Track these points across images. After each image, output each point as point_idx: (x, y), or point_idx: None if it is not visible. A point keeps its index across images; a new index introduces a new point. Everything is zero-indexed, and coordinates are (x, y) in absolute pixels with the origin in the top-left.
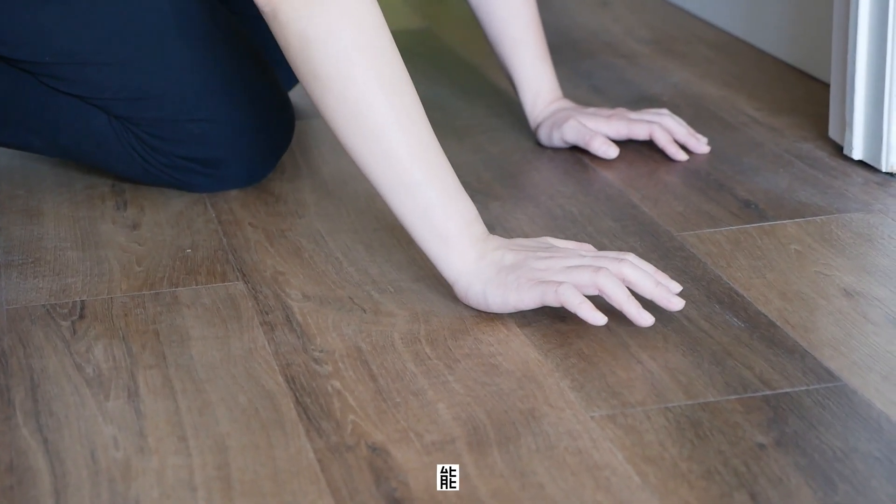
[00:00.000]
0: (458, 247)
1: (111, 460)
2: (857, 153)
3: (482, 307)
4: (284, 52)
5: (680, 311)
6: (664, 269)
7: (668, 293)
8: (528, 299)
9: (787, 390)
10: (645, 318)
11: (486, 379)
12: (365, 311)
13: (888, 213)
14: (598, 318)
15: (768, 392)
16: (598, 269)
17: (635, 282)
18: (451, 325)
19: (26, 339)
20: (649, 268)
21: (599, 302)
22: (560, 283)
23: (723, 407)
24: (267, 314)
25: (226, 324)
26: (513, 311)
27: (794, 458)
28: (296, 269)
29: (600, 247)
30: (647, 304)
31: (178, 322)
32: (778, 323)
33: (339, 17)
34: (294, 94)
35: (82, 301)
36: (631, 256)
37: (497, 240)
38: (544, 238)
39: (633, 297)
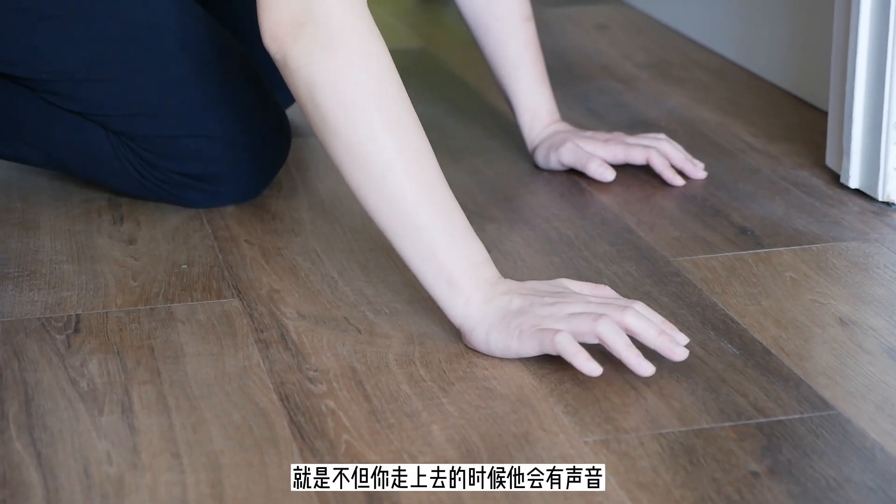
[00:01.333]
0: (464, 291)
1: (104, 476)
2: (854, 182)
3: (484, 351)
4: (295, 98)
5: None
6: (659, 295)
7: (672, 342)
8: (528, 347)
9: (782, 418)
10: (644, 368)
11: (480, 402)
12: (360, 331)
13: (884, 243)
14: (592, 369)
15: (762, 420)
16: (599, 316)
17: (638, 331)
18: (446, 347)
19: (21, 353)
20: (656, 317)
21: (600, 349)
22: (558, 331)
23: (717, 434)
24: (262, 332)
25: (220, 341)
26: (514, 357)
27: (787, 487)
28: (291, 287)
29: (596, 271)
30: (650, 354)
31: (172, 338)
32: (773, 350)
33: (347, 63)
34: (291, 112)
35: (77, 315)
36: (638, 305)
37: (507, 283)
38: (559, 280)
39: (633, 346)
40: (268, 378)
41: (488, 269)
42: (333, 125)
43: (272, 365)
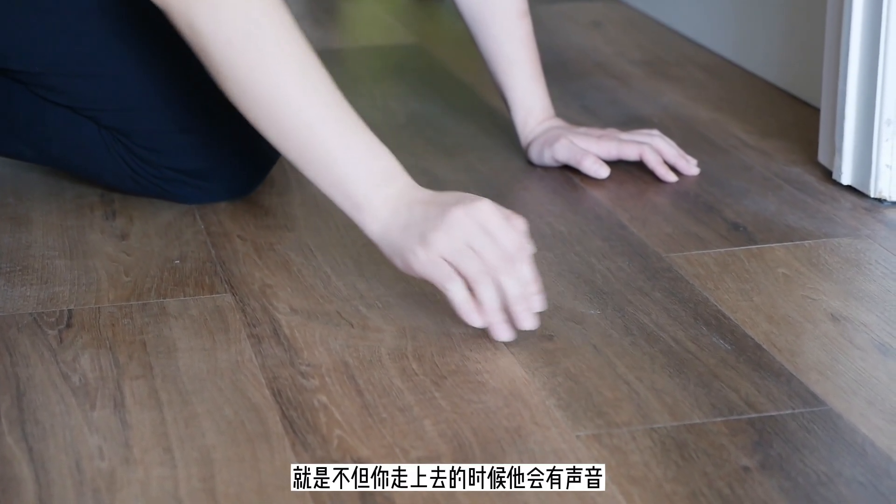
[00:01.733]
0: (369, 209)
1: (96, 470)
2: (846, 178)
3: (401, 269)
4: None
5: (667, 332)
6: (651, 291)
7: (526, 312)
8: (421, 272)
9: (773, 413)
10: (500, 333)
11: (472, 396)
12: (352, 325)
13: (876, 239)
14: (474, 320)
15: (754, 415)
16: (479, 276)
17: (507, 298)
18: (439, 341)
19: (13, 348)
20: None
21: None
22: (452, 280)
23: (708, 429)
24: (254, 327)
25: (213, 336)
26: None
27: (778, 482)
28: (284, 282)
29: (588, 267)
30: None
31: (165, 333)
32: (764, 346)
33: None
34: None
35: (70, 310)
36: (521, 263)
37: (413, 192)
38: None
39: (499, 312)
40: (260, 373)
41: (396, 182)
42: (219, 65)
43: (264, 360)
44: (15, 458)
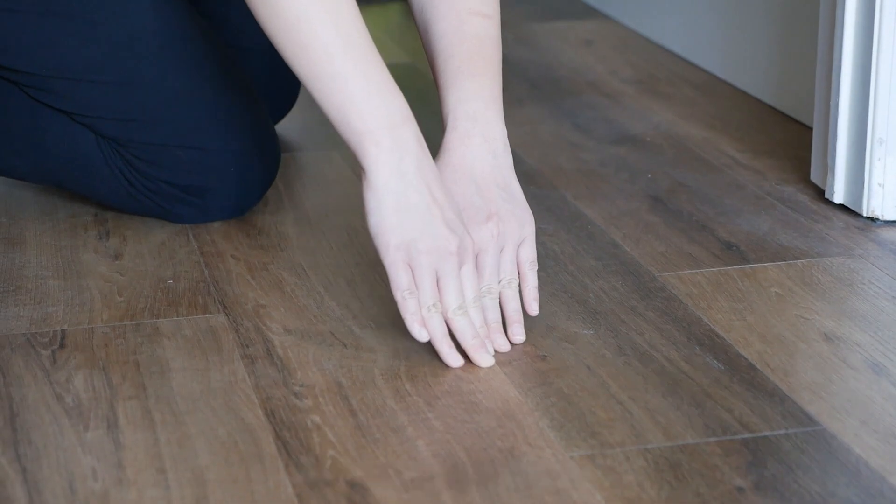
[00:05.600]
0: (375, 144)
1: (89, 491)
2: (839, 197)
3: (370, 226)
4: None
5: (660, 352)
6: (645, 310)
7: (481, 349)
8: (392, 271)
9: (767, 434)
10: (452, 360)
11: (465, 416)
12: (346, 346)
13: (869, 258)
14: (453, 360)
15: (747, 435)
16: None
17: (455, 332)
18: (432, 361)
19: (6, 368)
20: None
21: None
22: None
23: (702, 449)
24: (247, 347)
25: (206, 356)
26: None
27: (772, 502)
28: (277, 302)
29: (582, 286)
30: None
31: (158, 353)
32: (758, 366)
33: None
34: (280, 128)
35: (63, 330)
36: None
37: (420, 161)
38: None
39: (447, 339)
40: (253, 393)
41: (406, 130)
42: None
43: (258, 380)
44: (8, 479)
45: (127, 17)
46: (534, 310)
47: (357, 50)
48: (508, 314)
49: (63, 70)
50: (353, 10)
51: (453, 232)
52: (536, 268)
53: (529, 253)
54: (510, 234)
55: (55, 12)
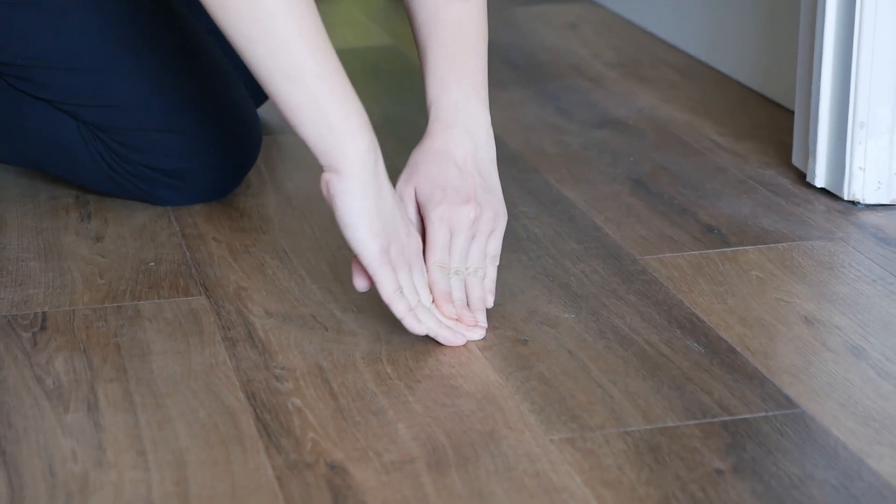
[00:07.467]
0: (347, 139)
1: (69, 474)
2: (820, 181)
3: (330, 203)
4: None
5: (641, 335)
6: (626, 294)
7: (453, 334)
8: (380, 277)
9: (746, 416)
10: (455, 339)
11: (446, 400)
12: (327, 329)
13: (849, 242)
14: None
15: (727, 418)
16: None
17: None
18: (413, 345)
19: None
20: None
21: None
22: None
23: (681, 432)
24: (229, 330)
25: (187, 338)
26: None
27: (751, 485)
28: (259, 285)
29: (563, 269)
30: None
31: (139, 336)
32: (738, 349)
33: None
34: (262, 111)
35: (44, 312)
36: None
37: (379, 165)
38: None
39: (441, 324)
40: (234, 376)
41: (368, 133)
42: None
43: (239, 363)
44: None
45: (98, 5)
46: (489, 302)
47: (325, 53)
48: (472, 301)
49: (38, 60)
50: (313, 11)
51: (411, 234)
52: (497, 263)
53: (496, 247)
54: (484, 222)
55: (26, 2)
